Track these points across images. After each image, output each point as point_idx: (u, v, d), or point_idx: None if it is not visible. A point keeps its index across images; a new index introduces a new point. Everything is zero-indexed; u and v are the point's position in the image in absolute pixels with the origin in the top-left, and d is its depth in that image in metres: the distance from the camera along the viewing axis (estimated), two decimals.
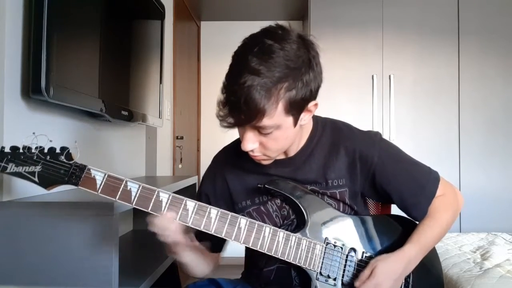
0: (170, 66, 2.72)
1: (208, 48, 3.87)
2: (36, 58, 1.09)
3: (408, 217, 1.08)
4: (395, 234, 1.04)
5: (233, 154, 1.10)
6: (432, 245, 1.03)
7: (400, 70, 2.89)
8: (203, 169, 3.84)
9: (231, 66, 0.91)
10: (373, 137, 1.07)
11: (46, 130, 1.22)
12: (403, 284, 1.00)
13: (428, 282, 1.07)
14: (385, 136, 2.79)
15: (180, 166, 3.02)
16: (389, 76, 2.88)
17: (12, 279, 1.05)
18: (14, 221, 1.06)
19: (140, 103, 1.87)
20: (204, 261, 1.09)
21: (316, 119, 1.09)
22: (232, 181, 1.08)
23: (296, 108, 0.90)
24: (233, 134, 1.20)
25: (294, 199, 1.00)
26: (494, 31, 2.87)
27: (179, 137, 2.97)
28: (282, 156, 1.05)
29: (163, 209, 0.91)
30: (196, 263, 1.06)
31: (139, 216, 2.05)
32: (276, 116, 0.87)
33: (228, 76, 0.90)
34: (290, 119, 0.91)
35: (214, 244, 1.11)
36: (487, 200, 2.83)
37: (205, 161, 3.84)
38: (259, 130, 0.90)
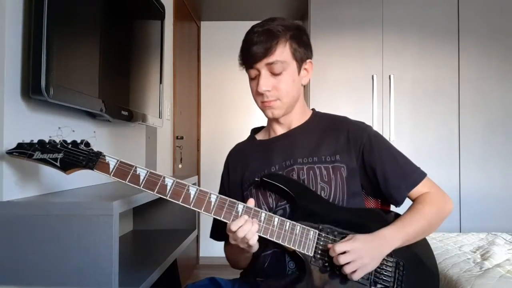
0: (170, 66, 2.72)
1: (208, 48, 3.87)
2: (36, 58, 1.09)
3: (390, 201, 1.14)
4: (385, 226, 1.05)
5: (244, 146, 1.27)
6: (412, 231, 1.05)
7: (400, 70, 2.89)
8: (203, 169, 3.84)
9: (243, 43, 1.12)
10: (366, 125, 1.18)
11: (46, 130, 1.22)
12: (397, 273, 1.02)
13: (422, 271, 1.08)
14: (385, 136, 2.79)
15: (180, 166, 3.02)
16: (389, 76, 2.88)
17: (12, 279, 1.05)
18: (14, 221, 1.06)
19: (140, 103, 1.87)
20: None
21: (316, 111, 1.24)
22: (242, 167, 1.20)
23: (299, 56, 1.11)
24: (233, 136, 1.24)
25: (289, 190, 1.06)
26: (494, 31, 2.87)
27: (179, 137, 2.97)
28: (284, 130, 1.19)
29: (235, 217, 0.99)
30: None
31: (139, 216, 2.05)
32: (285, 53, 1.08)
33: (243, 39, 1.11)
34: (295, 64, 1.11)
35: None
36: (487, 200, 2.83)
37: (205, 161, 3.83)
38: (272, 70, 1.08)
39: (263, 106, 1.13)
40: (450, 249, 2.06)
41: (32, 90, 1.11)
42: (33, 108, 1.21)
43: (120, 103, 1.63)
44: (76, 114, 1.44)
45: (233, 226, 0.95)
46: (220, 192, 1.25)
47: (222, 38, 3.79)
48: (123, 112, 1.62)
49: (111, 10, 1.57)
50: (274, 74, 1.08)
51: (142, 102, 1.91)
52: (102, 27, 1.48)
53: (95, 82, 1.42)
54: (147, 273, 1.35)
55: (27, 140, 1.00)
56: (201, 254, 3.78)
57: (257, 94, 1.12)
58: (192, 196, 0.99)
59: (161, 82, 2.18)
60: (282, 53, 1.07)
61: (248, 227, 0.95)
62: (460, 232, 2.70)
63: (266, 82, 1.08)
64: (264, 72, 1.08)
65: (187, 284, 1.11)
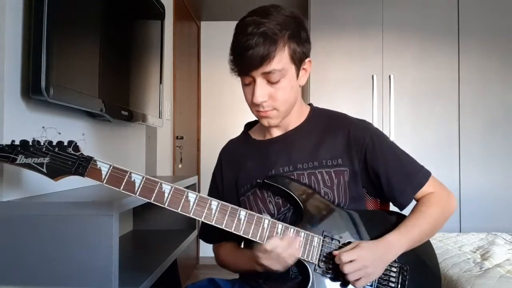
0: (170, 66, 2.72)
1: (208, 48, 3.86)
2: (36, 58, 1.09)
3: (394, 205, 1.10)
4: (390, 229, 1.04)
5: (238, 142, 1.22)
6: (417, 236, 1.03)
7: (400, 70, 2.89)
8: (203, 169, 3.84)
9: (234, 35, 1.00)
10: (367, 123, 1.14)
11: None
12: (401, 278, 1.01)
13: (425, 275, 1.07)
14: None
15: (180, 166, 3.02)
16: (389, 76, 2.88)
17: (12, 279, 1.05)
18: (14, 221, 1.06)
19: (140, 103, 1.87)
20: None
21: (313, 107, 1.18)
22: (237, 167, 1.14)
23: (298, 58, 1.01)
24: (233, 136, 1.23)
25: (292, 193, 1.02)
26: (494, 32, 2.87)
27: (179, 137, 2.97)
28: (281, 132, 1.12)
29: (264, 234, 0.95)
30: None
31: (139, 216, 2.05)
32: (283, 59, 0.97)
33: (235, 39, 0.99)
34: (293, 69, 1.01)
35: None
36: (487, 200, 2.83)
37: (205, 161, 3.83)
38: (268, 79, 0.98)
39: (259, 116, 1.06)
40: (450, 249, 2.06)
41: (32, 90, 1.11)
42: (33, 108, 1.21)
43: (120, 103, 1.63)
44: (76, 114, 1.44)
45: (268, 246, 0.91)
46: (212, 189, 1.20)
47: (222, 38, 3.76)
48: (123, 112, 1.62)
49: (111, 10, 1.58)
50: (271, 82, 0.99)
51: (142, 102, 1.91)
52: (102, 27, 1.48)
53: (95, 82, 1.42)
54: (147, 273, 1.35)
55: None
56: (201, 254, 3.78)
57: (252, 104, 1.03)
58: (191, 204, 0.94)
59: (161, 82, 2.18)
60: (280, 60, 0.97)
61: (284, 244, 0.91)
62: (460, 232, 2.70)
63: (262, 92, 0.99)
64: (260, 81, 0.98)
65: (187, 285, 1.10)
